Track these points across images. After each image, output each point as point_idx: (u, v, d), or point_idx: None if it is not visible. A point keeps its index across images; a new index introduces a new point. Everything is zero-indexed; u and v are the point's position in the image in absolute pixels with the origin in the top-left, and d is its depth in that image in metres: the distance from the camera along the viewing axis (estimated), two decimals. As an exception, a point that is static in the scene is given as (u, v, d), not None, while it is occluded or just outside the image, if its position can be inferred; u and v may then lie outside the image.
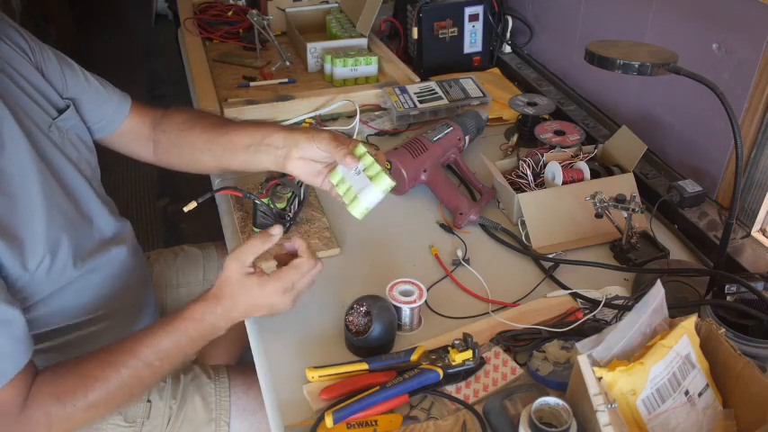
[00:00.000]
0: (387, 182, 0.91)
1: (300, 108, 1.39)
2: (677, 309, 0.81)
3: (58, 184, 0.94)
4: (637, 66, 0.85)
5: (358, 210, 0.93)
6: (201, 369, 1.14)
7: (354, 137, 1.33)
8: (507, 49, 1.70)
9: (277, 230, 0.90)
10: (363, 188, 0.92)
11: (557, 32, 1.54)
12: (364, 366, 0.83)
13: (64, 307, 0.96)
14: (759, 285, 0.83)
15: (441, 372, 0.81)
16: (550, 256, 1.04)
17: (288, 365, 0.88)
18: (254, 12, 1.58)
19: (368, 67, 1.52)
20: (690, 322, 0.73)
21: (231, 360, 1.33)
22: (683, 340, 0.72)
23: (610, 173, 1.15)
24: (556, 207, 1.08)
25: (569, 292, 0.97)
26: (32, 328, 0.91)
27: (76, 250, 0.95)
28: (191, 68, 1.56)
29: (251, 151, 1.01)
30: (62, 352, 0.98)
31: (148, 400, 1.06)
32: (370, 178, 0.92)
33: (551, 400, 0.69)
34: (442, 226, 1.13)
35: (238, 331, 1.23)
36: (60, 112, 0.98)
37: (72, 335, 0.99)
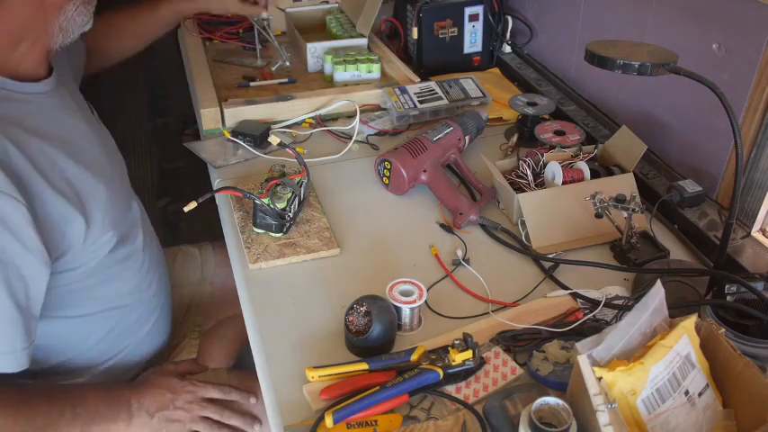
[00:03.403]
0: None
1: (300, 108, 1.39)
2: (677, 309, 0.81)
3: (115, 166, 1.06)
4: (637, 66, 0.85)
5: None
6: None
7: (354, 137, 1.33)
8: (507, 49, 1.70)
9: None
10: None
11: (557, 32, 1.54)
12: (364, 366, 0.83)
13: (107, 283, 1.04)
14: (759, 285, 0.83)
15: (441, 372, 0.81)
16: (550, 256, 1.04)
17: (288, 365, 0.88)
18: (254, 12, 1.58)
19: (370, 74, 1.52)
20: (690, 322, 0.73)
21: (230, 358, 1.33)
22: (683, 340, 0.72)
23: (610, 173, 1.15)
24: (556, 207, 1.08)
25: (569, 292, 0.97)
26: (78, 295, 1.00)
27: (131, 228, 1.06)
28: (191, 68, 1.56)
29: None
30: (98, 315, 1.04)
31: None
32: None
33: (551, 400, 0.69)
34: (442, 226, 1.13)
35: (238, 331, 1.24)
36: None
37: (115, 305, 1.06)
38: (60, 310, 0.98)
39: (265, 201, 1.04)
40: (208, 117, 1.35)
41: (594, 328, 0.88)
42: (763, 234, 1.05)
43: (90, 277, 0.99)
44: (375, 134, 1.38)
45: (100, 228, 0.95)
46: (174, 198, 2.51)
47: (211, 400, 1.05)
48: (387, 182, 1.20)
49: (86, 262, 0.96)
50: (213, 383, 1.07)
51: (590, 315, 0.92)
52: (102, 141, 1.05)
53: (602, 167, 1.17)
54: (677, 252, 1.06)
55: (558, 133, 1.25)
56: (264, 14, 1.48)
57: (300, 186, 1.10)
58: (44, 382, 1.01)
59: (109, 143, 1.09)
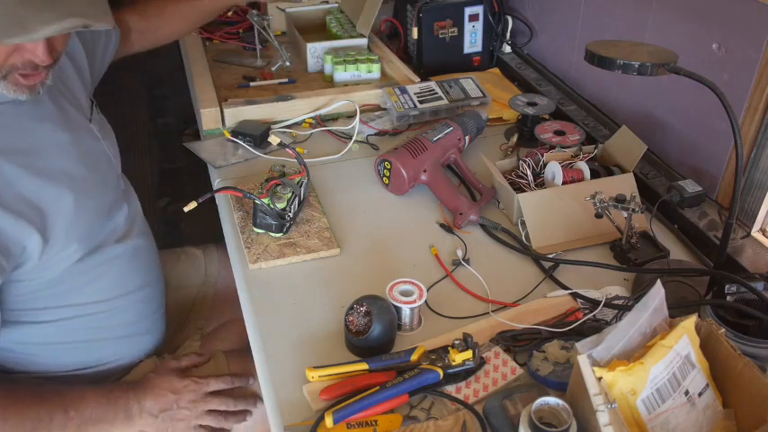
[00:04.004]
0: None
1: (300, 108, 1.39)
2: (677, 309, 0.81)
3: (97, 174, 1.01)
4: (637, 66, 0.85)
5: None
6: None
7: (354, 137, 1.33)
8: (507, 49, 1.70)
9: None
10: None
11: (557, 32, 1.54)
12: (364, 366, 0.83)
13: (80, 287, 1.01)
14: (759, 285, 0.83)
15: (441, 372, 0.81)
16: (550, 256, 1.04)
17: (288, 365, 0.88)
18: (254, 12, 1.58)
19: (370, 74, 1.52)
20: (690, 322, 0.73)
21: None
22: (683, 340, 0.72)
23: (610, 173, 1.15)
24: (556, 207, 1.08)
25: (569, 292, 0.97)
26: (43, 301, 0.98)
27: (107, 237, 1.02)
28: (191, 68, 1.56)
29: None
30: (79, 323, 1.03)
31: None
32: None
33: (551, 400, 0.69)
34: (442, 226, 1.13)
35: (240, 334, 1.24)
36: (90, 110, 1.07)
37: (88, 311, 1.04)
38: (31, 316, 0.97)
39: (265, 201, 1.04)
40: (208, 117, 1.35)
41: (594, 328, 0.88)
42: (763, 234, 1.05)
43: (56, 285, 0.97)
44: (375, 134, 1.38)
45: (62, 241, 0.92)
46: (174, 198, 2.51)
47: (215, 393, 1.05)
48: (387, 182, 1.20)
49: (45, 274, 0.94)
50: (215, 376, 1.07)
51: (590, 315, 0.92)
52: (84, 150, 1.00)
53: (602, 167, 1.17)
54: (677, 252, 1.06)
55: (558, 133, 1.25)
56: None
57: (300, 186, 1.10)
58: (36, 384, 1.00)
59: (96, 151, 1.04)
